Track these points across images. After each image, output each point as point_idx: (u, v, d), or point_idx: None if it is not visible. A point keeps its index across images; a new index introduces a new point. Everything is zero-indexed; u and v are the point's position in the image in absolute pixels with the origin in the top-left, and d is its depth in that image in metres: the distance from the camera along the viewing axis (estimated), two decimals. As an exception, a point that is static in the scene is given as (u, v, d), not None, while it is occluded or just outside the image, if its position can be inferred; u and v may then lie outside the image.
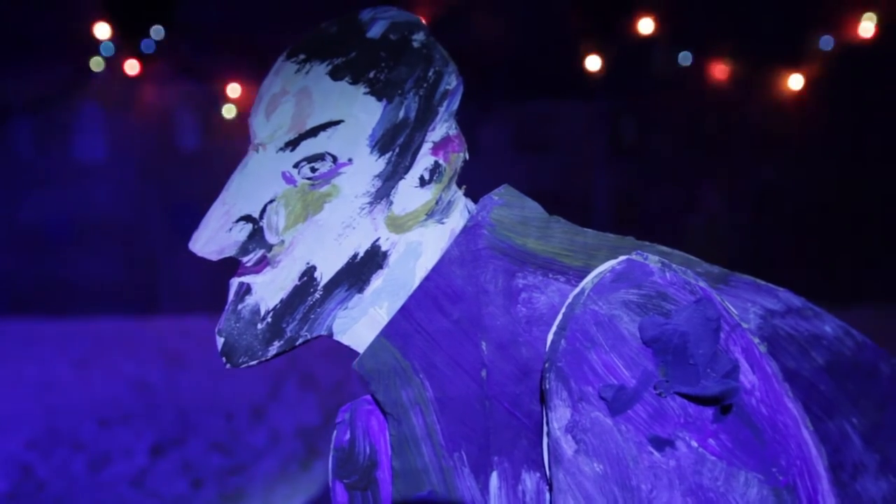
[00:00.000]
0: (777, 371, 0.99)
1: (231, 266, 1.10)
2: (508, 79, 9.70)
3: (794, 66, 10.14)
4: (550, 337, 0.97)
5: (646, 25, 10.09)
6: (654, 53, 10.32)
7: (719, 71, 10.38)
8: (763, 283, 1.12)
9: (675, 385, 0.93)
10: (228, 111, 9.55)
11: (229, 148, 9.87)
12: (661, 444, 0.93)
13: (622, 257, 0.99)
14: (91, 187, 9.42)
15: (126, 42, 9.12)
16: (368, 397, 1.15)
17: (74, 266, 8.35)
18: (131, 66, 9.24)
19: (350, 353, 1.12)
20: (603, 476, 0.92)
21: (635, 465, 0.92)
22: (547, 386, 0.95)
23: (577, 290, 0.98)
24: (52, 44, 8.93)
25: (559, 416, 0.94)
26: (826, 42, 9.89)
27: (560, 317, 0.97)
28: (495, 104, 9.74)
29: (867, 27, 9.33)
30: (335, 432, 1.17)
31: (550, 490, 0.95)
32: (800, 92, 10.24)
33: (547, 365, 0.96)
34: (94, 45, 9.08)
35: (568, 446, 0.93)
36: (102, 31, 9.01)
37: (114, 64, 9.22)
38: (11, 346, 8.02)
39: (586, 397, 0.94)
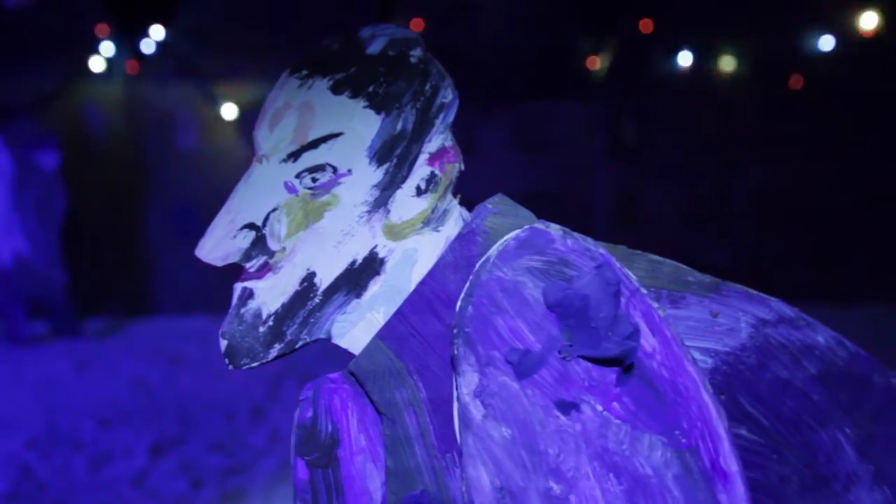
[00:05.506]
0: (676, 335, 1.01)
1: (232, 268, 1.13)
2: (508, 79, 9.71)
3: (794, 66, 10.14)
4: (458, 304, 1.01)
5: (646, 25, 10.10)
6: (653, 53, 10.33)
7: (719, 71, 10.39)
8: (755, 292, 1.14)
9: (578, 348, 0.96)
10: (228, 111, 9.56)
11: (228, 148, 9.88)
12: (567, 407, 0.96)
13: (526, 226, 1.03)
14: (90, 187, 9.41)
15: (126, 42, 9.13)
16: (332, 375, 1.19)
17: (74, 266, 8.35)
18: (131, 66, 9.26)
19: (349, 354, 1.14)
20: (511, 440, 0.95)
21: (542, 429, 0.95)
22: (455, 352, 0.98)
23: (484, 258, 1.02)
24: (52, 44, 8.93)
25: (467, 381, 0.97)
26: (826, 42, 9.89)
27: (468, 284, 1.01)
28: (495, 104, 9.75)
29: (869, 17, 9.31)
30: (298, 409, 1.21)
31: (461, 455, 0.97)
32: (800, 92, 10.24)
33: (455, 331, 0.99)
34: (94, 45, 9.09)
35: (476, 411, 0.96)
36: (102, 31, 9.02)
37: (114, 64, 9.23)
38: (12, 346, 8.02)
39: (493, 362, 0.97)
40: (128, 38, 9.11)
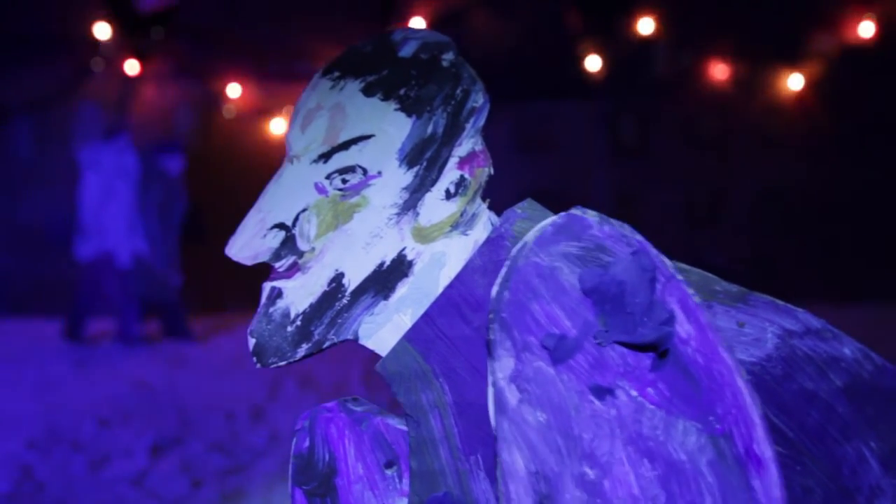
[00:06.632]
0: (712, 322, 1.01)
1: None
2: (509, 79, 9.70)
3: (794, 66, 10.15)
4: (495, 289, 1.00)
5: (646, 25, 10.10)
6: (654, 53, 10.34)
7: (719, 71, 10.39)
8: (782, 303, 1.14)
9: (614, 334, 0.96)
10: (228, 111, 9.56)
11: (229, 147, 9.86)
12: (602, 392, 0.96)
13: (562, 212, 1.03)
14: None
15: (126, 42, 9.13)
16: (328, 405, 1.20)
17: (74, 266, 8.34)
18: (131, 66, 9.25)
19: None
20: (546, 425, 0.95)
21: (577, 414, 0.95)
22: (491, 336, 0.98)
23: (520, 243, 1.01)
24: (52, 44, 8.93)
25: (503, 365, 0.97)
26: (826, 42, 9.90)
27: (504, 269, 1.01)
28: (495, 104, 9.72)
29: (867, 27, 9.34)
30: (295, 439, 1.21)
31: (496, 440, 0.97)
32: (800, 92, 10.24)
33: (491, 316, 0.99)
34: (94, 45, 9.09)
35: (512, 396, 0.96)
36: (102, 31, 9.01)
37: (114, 64, 9.22)
38: (11, 346, 8.01)
39: (529, 347, 0.97)
40: (128, 38, 9.11)
